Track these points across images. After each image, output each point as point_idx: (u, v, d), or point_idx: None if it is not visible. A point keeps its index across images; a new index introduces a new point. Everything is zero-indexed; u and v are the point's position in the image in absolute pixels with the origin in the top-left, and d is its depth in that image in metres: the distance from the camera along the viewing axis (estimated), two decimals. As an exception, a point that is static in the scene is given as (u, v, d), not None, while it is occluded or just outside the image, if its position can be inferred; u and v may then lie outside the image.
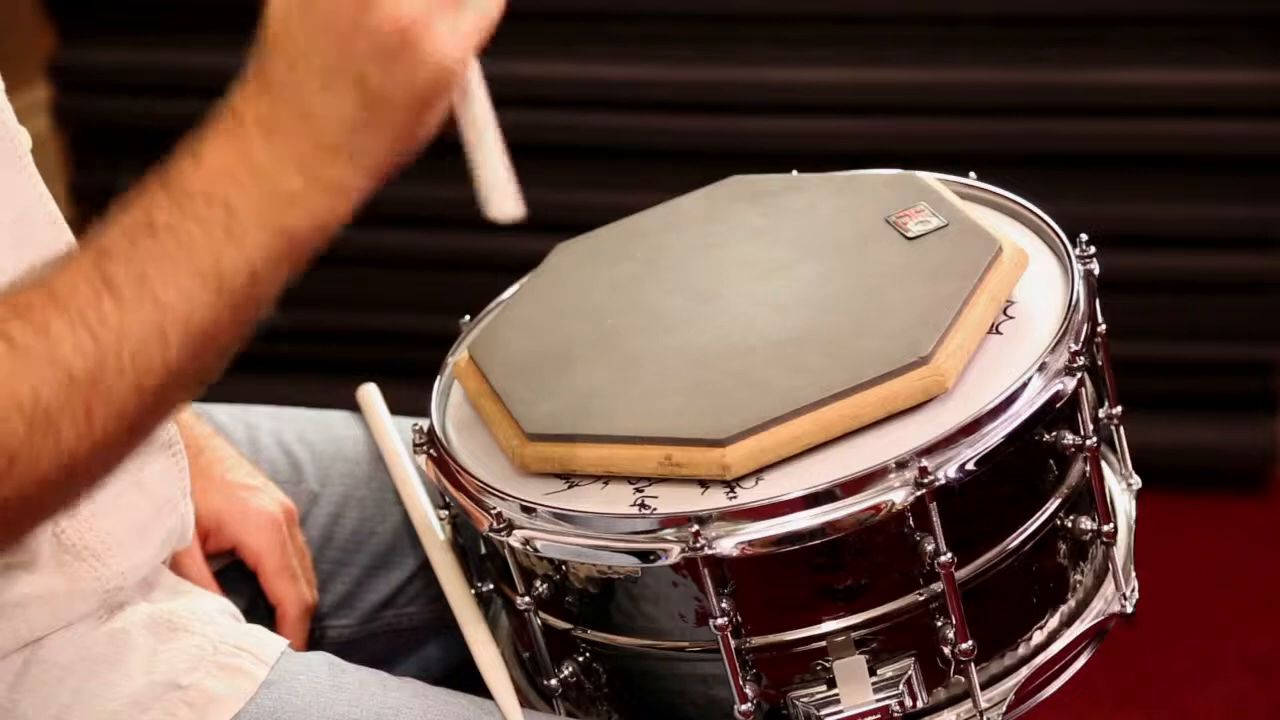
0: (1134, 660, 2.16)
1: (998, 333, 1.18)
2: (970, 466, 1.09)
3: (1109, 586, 1.20)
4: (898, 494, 1.08)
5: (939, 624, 1.12)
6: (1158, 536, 1.39)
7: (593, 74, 2.50)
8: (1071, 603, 1.18)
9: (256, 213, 0.95)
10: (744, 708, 1.11)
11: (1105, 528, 1.18)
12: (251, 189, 0.95)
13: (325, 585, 1.36)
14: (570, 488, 1.15)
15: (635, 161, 2.51)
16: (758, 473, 1.11)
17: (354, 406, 1.43)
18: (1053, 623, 1.17)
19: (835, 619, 1.11)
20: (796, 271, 1.24)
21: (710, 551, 1.08)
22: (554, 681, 1.18)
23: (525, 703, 1.19)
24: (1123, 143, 2.37)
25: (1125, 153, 2.38)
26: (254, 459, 1.37)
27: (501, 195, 1.00)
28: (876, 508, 1.08)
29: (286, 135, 0.96)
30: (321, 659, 1.18)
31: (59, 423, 0.92)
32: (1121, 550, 1.21)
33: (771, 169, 1.36)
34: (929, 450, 1.09)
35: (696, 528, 1.08)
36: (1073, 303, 1.18)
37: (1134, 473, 1.28)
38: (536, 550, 1.13)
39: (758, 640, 1.11)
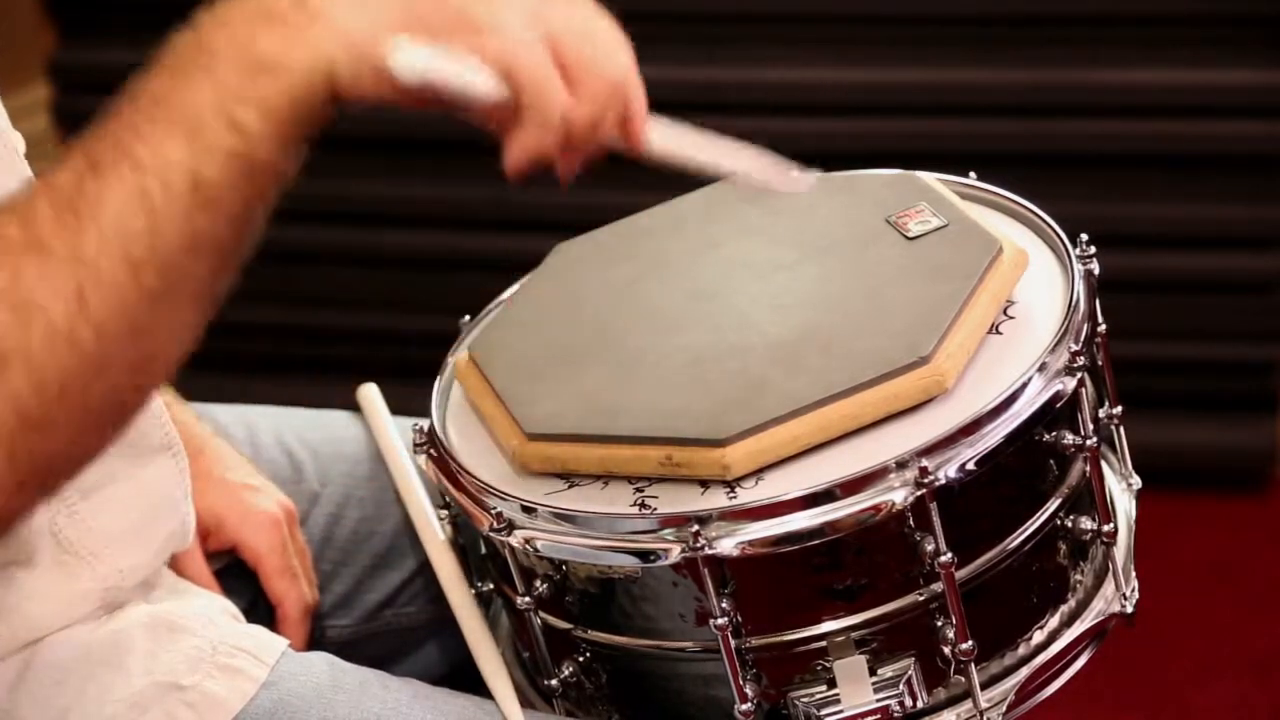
0: (1134, 660, 2.16)
1: (998, 333, 1.18)
2: (970, 466, 1.09)
3: (1109, 586, 1.20)
4: (898, 494, 1.08)
5: (939, 624, 1.11)
6: (1158, 536, 1.39)
7: (593, 74, 2.50)
8: (1071, 603, 1.18)
9: (232, 59, 0.91)
10: (744, 708, 1.11)
11: (1105, 528, 1.18)
12: (239, 28, 0.91)
13: (325, 585, 1.36)
14: (570, 488, 1.15)
15: (635, 161, 2.50)
16: (758, 473, 1.11)
17: (354, 406, 1.43)
18: (1053, 623, 1.17)
19: (835, 619, 1.11)
20: (796, 271, 1.24)
21: (710, 551, 1.08)
22: (554, 681, 1.18)
23: (525, 703, 1.19)
24: (1123, 143, 2.37)
25: (1125, 153, 2.38)
26: (254, 459, 1.37)
27: (772, 175, 0.99)
28: (876, 508, 1.08)
29: None
30: (321, 659, 1.18)
31: (46, 305, 0.86)
32: (1121, 550, 1.21)
33: (771, 169, 1.36)
34: (929, 450, 1.09)
35: (696, 528, 1.08)
36: (1073, 303, 1.18)
37: (1134, 473, 1.28)
38: (537, 550, 1.13)
39: (758, 640, 1.11)
